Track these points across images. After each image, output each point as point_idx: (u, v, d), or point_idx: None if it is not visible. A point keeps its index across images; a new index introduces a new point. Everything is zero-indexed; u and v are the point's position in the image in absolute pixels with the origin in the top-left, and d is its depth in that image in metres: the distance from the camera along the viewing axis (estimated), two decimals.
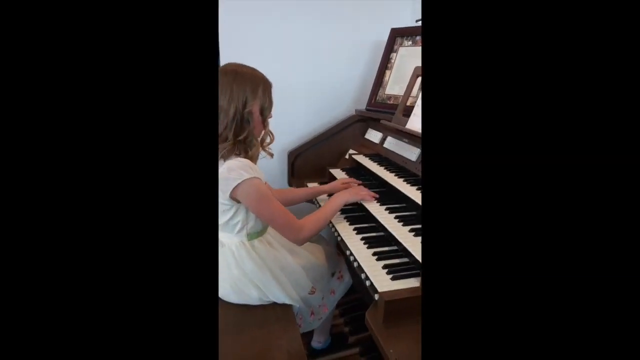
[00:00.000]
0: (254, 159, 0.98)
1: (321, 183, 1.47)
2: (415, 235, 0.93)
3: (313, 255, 1.16)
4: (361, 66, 1.74)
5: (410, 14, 1.67)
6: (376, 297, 0.80)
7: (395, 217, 1.03)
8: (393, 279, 0.85)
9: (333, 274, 1.26)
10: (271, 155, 1.06)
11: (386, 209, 1.09)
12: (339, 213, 1.15)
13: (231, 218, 0.99)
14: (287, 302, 1.06)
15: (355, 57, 1.72)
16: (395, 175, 1.18)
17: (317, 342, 1.43)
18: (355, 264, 0.94)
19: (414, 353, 0.69)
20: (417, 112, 1.21)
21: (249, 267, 1.02)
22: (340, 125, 1.64)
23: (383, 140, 1.45)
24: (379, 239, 1.04)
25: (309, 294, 1.13)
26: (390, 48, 1.59)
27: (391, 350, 0.70)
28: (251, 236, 1.04)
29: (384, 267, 0.90)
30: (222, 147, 0.92)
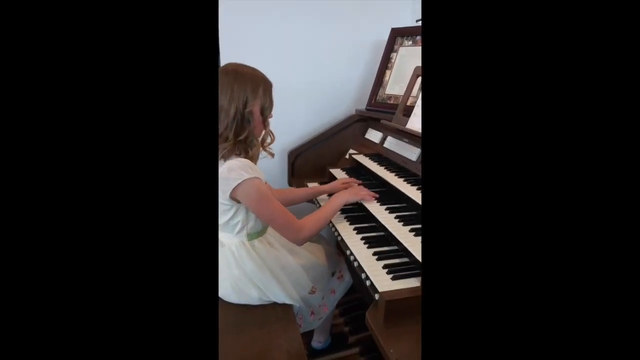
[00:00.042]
0: (254, 159, 0.98)
1: (321, 183, 1.47)
2: (415, 235, 0.93)
3: (313, 255, 1.16)
4: (361, 66, 1.74)
5: (411, 14, 1.67)
6: (376, 296, 0.80)
7: (396, 217, 1.03)
8: (393, 278, 0.85)
9: (333, 274, 1.26)
10: (272, 155, 1.06)
11: (386, 209, 1.09)
12: (339, 213, 1.15)
13: (231, 218, 0.99)
14: (288, 301, 1.07)
15: (356, 57, 1.72)
16: (395, 175, 1.18)
17: (317, 342, 1.43)
18: (356, 264, 0.94)
19: (414, 353, 0.69)
20: (417, 112, 1.21)
21: (249, 267, 1.02)
22: (340, 125, 1.64)
23: (383, 140, 1.45)
24: (379, 239, 1.04)
25: (309, 293, 1.13)
26: (390, 48, 1.59)
27: (391, 350, 0.70)
28: (251, 236, 1.04)
29: (384, 266, 0.90)
30: (223, 147, 0.92)
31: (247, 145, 0.96)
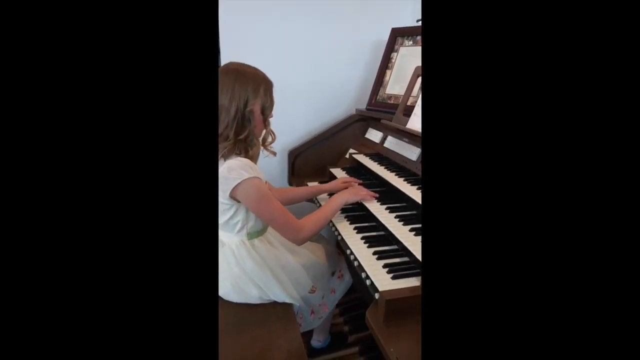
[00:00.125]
0: (254, 158, 0.98)
1: (321, 182, 1.47)
2: (415, 235, 0.93)
3: (313, 254, 1.16)
4: (361, 66, 1.74)
5: (411, 14, 1.67)
6: (377, 296, 0.80)
7: (396, 217, 1.03)
8: (393, 278, 0.85)
9: (333, 273, 1.26)
10: (274, 153, 1.07)
11: (386, 209, 1.09)
12: (339, 212, 1.16)
13: (231, 217, 0.99)
14: (288, 301, 1.07)
15: (356, 57, 1.72)
16: (395, 175, 1.19)
17: (317, 341, 1.43)
18: (356, 263, 0.94)
19: (414, 352, 0.69)
20: (418, 111, 1.21)
21: (249, 266, 1.02)
22: (340, 124, 1.64)
23: (383, 139, 1.45)
24: (380, 238, 1.04)
25: (309, 293, 1.14)
26: (390, 48, 1.59)
27: (392, 349, 0.70)
28: (251, 235, 1.04)
29: (385, 266, 0.90)
30: (223, 147, 0.92)
31: (248, 144, 0.96)
